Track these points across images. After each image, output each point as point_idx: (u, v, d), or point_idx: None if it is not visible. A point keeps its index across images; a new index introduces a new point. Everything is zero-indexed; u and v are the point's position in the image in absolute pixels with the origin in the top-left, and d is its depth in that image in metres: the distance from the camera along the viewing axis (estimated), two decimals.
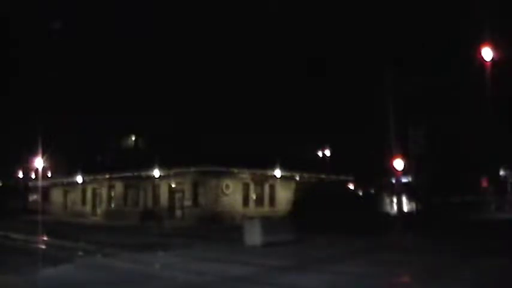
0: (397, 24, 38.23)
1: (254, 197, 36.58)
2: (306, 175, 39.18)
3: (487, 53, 17.47)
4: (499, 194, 38.62)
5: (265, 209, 35.96)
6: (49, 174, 45.55)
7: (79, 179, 41.35)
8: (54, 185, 46.26)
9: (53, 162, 39.85)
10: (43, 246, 19.85)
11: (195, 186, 34.59)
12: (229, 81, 39.41)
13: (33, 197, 51.80)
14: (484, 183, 36.23)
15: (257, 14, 38.63)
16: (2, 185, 56.10)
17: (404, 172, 42.08)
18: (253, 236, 17.27)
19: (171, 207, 36.06)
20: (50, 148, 32.23)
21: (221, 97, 38.92)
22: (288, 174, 37.20)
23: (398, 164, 26.40)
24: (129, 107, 41.11)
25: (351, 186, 45.27)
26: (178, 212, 35.67)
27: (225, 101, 38.79)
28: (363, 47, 39.44)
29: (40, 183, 41.60)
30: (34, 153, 31.39)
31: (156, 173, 34.69)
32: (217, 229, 26.98)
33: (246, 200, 35.68)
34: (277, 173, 35.90)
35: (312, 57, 40.31)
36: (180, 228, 29.37)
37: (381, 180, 41.75)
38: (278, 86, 39.81)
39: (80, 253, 16.78)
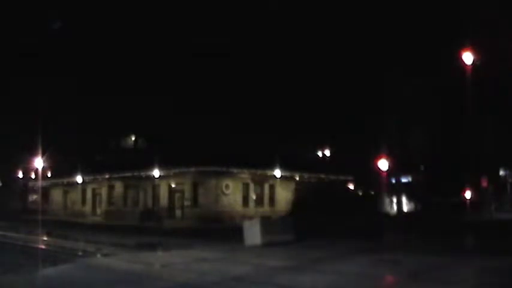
0: (397, 24, 38.23)
1: (254, 197, 36.58)
2: (305, 175, 39.19)
3: (487, 53, 17.50)
4: (499, 194, 38.60)
5: (265, 209, 35.96)
6: (49, 174, 45.53)
7: (79, 179, 41.32)
8: (54, 185, 46.24)
9: (53, 162, 39.81)
10: (43, 246, 19.84)
11: (195, 186, 34.59)
12: (229, 81, 39.42)
13: (33, 197, 51.82)
14: (484, 183, 36.19)
15: (258, 12, 38.59)
16: (2, 185, 56.09)
17: (404, 172, 42.25)
18: (253, 235, 17.27)
19: (171, 207, 36.08)
20: (50, 148, 32.23)
21: (221, 97, 38.94)
22: (287, 174, 37.17)
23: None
24: (129, 106, 41.12)
25: (351, 186, 45.29)
26: (178, 212, 35.69)
27: (225, 101, 38.80)
28: (363, 48, 39.44)
29: (40, 183, 41.58)
30: (34, 153, 31.37)
31: (156, 173, 34.68)
32: (217, 229, 26.98)
33: (245, 200, 35.69)
34: (277, 173, 35.88)
35: (311, 57, 40.32)
36: (180, 228, 29.39)
37: (380, 180, 41.76)
38: (278, 86, 39.79)
39: (80, 253, 16.79)
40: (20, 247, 19.60)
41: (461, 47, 20.04)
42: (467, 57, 18.87)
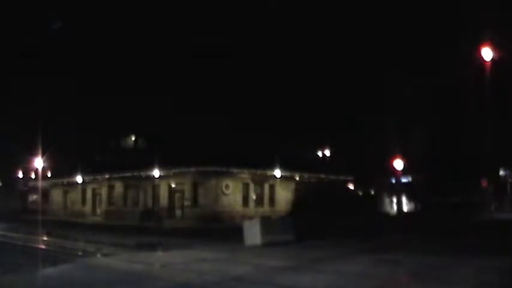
0: (397, 24, 38.25)
1: (254, 197, 36.57)
2: (305, 175, 39.18)
3: (487, 53, 17.49)
4: (499, 194, 38.59)
5: (265, 209, 35.97)
6: (49, 174, 45.53)
7: (79, 179, 41.34)
8: (54, 185, 46.26)
9: (53, 162, 39.82)
10: (43, 246, 19.86)
11: (195, 186, 34.59)
12: (229, 81, 39.43)
13: (33, 197, 51.79)
14: (484, 183, 36.18)
15: (258, 12, 38.59)
16: (2, 185, 56.08)
17: (404, 172, 42.27)
18: (253, 235, 17.27)
19: (171, 207, 36.08)
20: (50, 148, 32.24)
21: (221, 97, 38.93)
22: (287, 174, 37.18)
23: (398, 164, 26.58)
24: (129, 106, 41.14)
25: (351, 187, 45.30)
26: (178, 212, 35.69)
27: (225, 101, 38.79)
28: (363, 48, 39.46)
29: (40, 183, 41.57)
30: (34, 153, 31.38)
31: (156, 173, 34.69)
32: (217, 229, 26.98)
33: (245, 200, 35.69)
34: (277, 173, 35.89)
35: (311, 57, 40.33)
36: (180, 228, 29.39)
37: (380, 180, 41.77)
38: (278, 86, 39.80)
39: (80, 253, 16.80)
40: (20, 247, 19.61)
41: (462, 46, 20.02)
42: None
